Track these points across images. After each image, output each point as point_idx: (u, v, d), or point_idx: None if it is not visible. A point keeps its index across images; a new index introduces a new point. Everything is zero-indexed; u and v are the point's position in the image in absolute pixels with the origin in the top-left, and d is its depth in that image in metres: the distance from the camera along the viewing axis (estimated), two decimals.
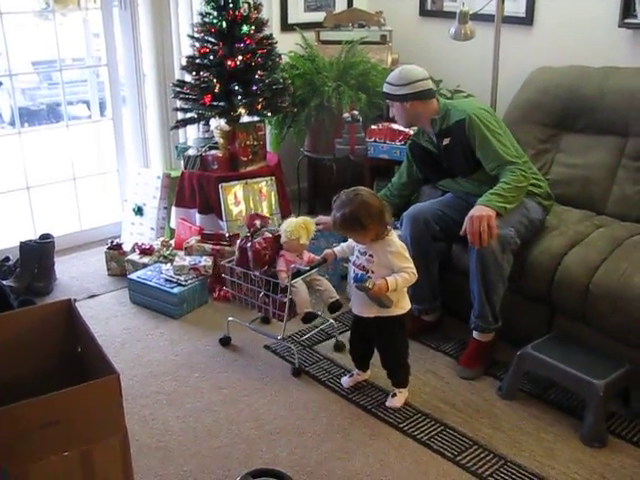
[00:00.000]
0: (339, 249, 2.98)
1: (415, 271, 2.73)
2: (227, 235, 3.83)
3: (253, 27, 3.91)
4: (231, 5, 3.84)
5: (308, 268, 3.03)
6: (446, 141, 3.23)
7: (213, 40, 3.91)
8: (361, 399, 2.93)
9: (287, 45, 4.52)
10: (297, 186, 4.69)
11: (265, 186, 4.03)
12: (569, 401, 2.88)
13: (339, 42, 4.54)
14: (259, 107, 3.96)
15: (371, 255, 2.75)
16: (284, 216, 4.08)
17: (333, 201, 2.77)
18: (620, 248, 3.01)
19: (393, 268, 2.71)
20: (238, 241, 3.27)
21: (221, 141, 4.06)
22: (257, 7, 3.98)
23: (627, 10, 3.70)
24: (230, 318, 3.36)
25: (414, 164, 3.48)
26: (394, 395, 2.90)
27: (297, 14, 4.82)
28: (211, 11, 3.87)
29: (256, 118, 4.09)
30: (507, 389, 2.92)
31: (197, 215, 4.09)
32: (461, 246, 3.17)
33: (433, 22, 4.69)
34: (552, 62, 3.90)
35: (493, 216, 2.87)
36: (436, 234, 3.21)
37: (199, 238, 3.89)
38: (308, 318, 3.09)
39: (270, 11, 4.57)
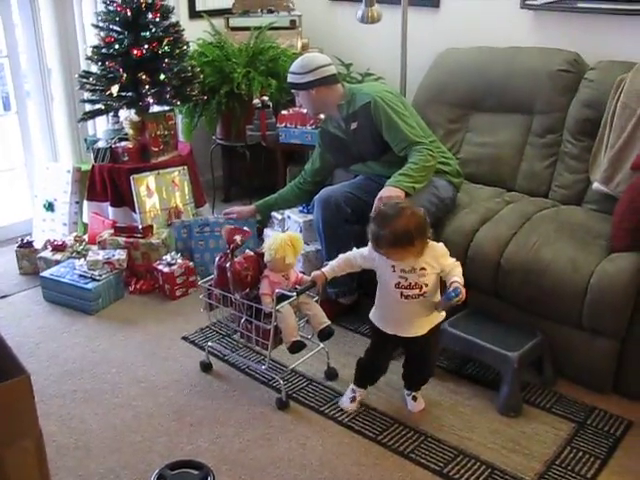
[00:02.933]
0: (328, 269, 2.66)
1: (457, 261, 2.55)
2: (140, 227, 3.76)
3: (159, 15, 3.84)
4: None
5: (295, 292, 2.68)
6: (354, 125, 3.25)
7: (118, 29, 3.83)
8: (278, 383, 2.91)
9: (196, 32, 4.45)
10: (211, 175, 4.63)
11: (178, 176, 3.97)
12: (486, 374, 2.94)
13: (249, 28, 4.50)
14: (168, 96, 3.90)
15: (423, 268, 2.46)
16: (198, 205, 4.04)
17: (372, 216, 2.46)
18: (529, 222, 3.10)
19: (444, 269, 2.49)
20: (216, 259, 2.89)
21: (131, 132, 3.98)
22: None
23: None
24: (210, 344, 3.07)
25: (325, 151, 3.49)
26: (416, 398, 2.77)
27: (205, 1, 4.74)
28: None
29: (166, 107, 4.02)
30: None
31: (110, 208, 4.00)
32: None
33: (342, 6, 4.69)
34: (459, 44, 3.96)
35: (402, 196, 2.91)
36: (348, 217, 3.22)
37: (112, 231, 3.81)
38: (296, 347, 2.74)
39: None
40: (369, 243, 2.54)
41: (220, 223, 3.72)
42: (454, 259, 2.53)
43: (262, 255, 2.81)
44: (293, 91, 3.39)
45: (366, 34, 4.33)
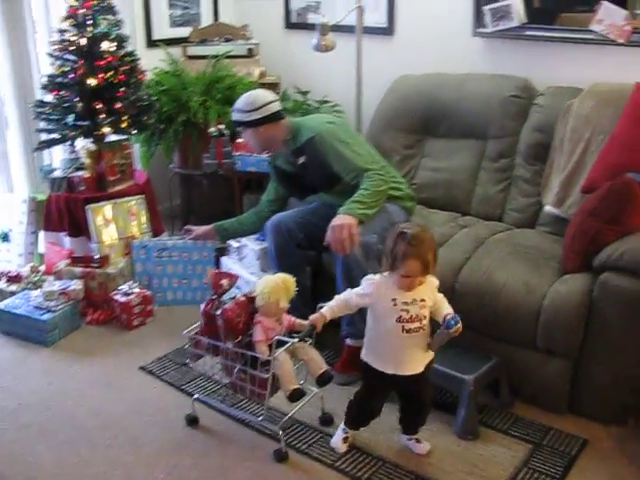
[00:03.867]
0: (327, 310, 2.51)
1: None
2: (97, 257, 3.73)
3: (114, 44, 3.84)
4: (90, 22, 3.76)
5: (296, 337, 2.57)
6: (302, 159, 3.26)
7: (73, 58, 3.82)
8: (239, 413, 2.89)
9: (153, 61, 4.45)
10: (170, 203, 4.62)
11: (135, 205, 3.96)
12: (443, 398, 2.94)
13: (206, 57, 4.51)
14: (124, 125, 3.89)
15: (423, 300, 2.42)
16: (156, 234, 4.02)
17: (401, 236, 2.35)
18: (483, 246, 3.14)
19: (436, 302, 2.47)
20: (202, 306, 2.72)
21: (87, 161, 3.95)
22: (117, 23, 3.91)
23: (479, 21, 3.87)
24: (196, 396, 2.90)
25: (278, 184, 3.51)
26: (419, 440, 2.68)
27: (162, 30, 4.76)
28: (69, 28, 3.78)
29: (122, 136, 4.01)
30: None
31: (66, 238, 3.97)
32: (330, 253, 3.20)
33: (298, 34, 4.74)
34: (413, 70, 4.03)
35: (354, 224, 2.91)
36: (301, 242, 3.23)
37: (69, 262, 3.77)
38: (296, 395, 2.56)
39: (133, 27, 4.50)
40: (362, 282, 2.50)
41: (179, 247, 3.72)
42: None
43: (253, 299, 2.67)
44: (239, 129, 3.38)
45: (322, 62, 4.38)
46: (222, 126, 4.04)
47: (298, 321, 2.70)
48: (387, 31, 4.32)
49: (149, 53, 4.54)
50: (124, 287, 3.63)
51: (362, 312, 2.97)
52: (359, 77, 4.02)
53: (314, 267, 3.35)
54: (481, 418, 2.82)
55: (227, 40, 4.70)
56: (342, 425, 2.70)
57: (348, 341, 3.12)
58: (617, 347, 2.72)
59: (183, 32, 4.78)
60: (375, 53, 4.26)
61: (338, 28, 4.03)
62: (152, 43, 4.67)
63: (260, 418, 2.71)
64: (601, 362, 2.75)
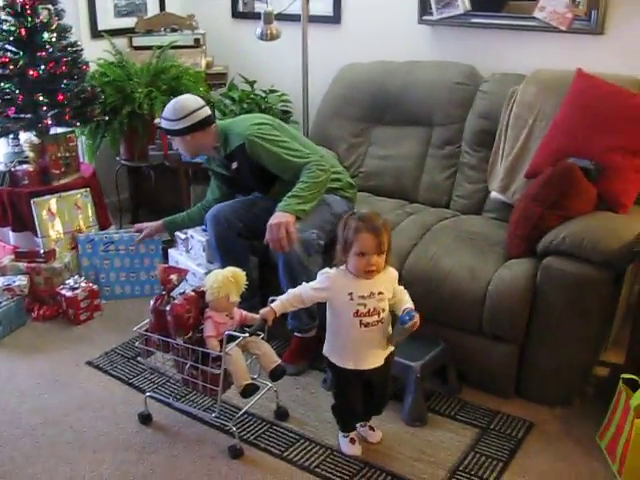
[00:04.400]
0: (278, 304, 2.46)
1: None
2: (42, 252, 3.66)
3: (55, 34, 3.76)
4: (29, 11, 3.67)
5: (247, 332, 2.52)
6: (234, 165, 3.23)
7: (12, 49, 3.73)
8: (187, 404, 2.87)
9: (99, 52, 4.37)
10: (118, 196, 4.55)
11: (80, 198, 3.89)
12: (393, 385, 2.95)
13: (152, 47, 4.44)
14: (68, 117, 3.81)
15: (381, 292, 2.39)
16: (102, 227, 3.96)
17: (351, 216, 2.38)
18: (429, 233, 3.15)
19: (396, 294, 2.45)
20: (152, 302, 2.65)
21: (31, 155, 3.87)
22: (59, 13, 3.82)
23: (424, 8, 3.87)
24: (148, 394, 2.84)
25: (217, 184, 3.49)
26: (373, 428, 2.68)
27: (107, 20, 4.67)
28: (8, 18, 3.69)
29: (66, 129, 3.93)
30: (331, 381, 2.95)
31: (11, 233, 3.88)
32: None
33: (245, 23, 4.69)
34: (360, 59, 4.02)
35: (291, 221, 2.90)
36: (241, 231, 3.21)
37: (13, 257, 3.70)
38: (249, 391, 2.55)
39: (77, 17, 4.41)
40: (318, 275, 2.46)
41: (125, 241, 3.68)
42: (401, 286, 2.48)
43: (203, 294, 2.62)
44: (168, 136, 3.33)
45: (269, 51, 4.35)
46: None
47: (250, 315, 2.66)
48: (333, 20, 4.30)
49: (94, 44, 4.46)
50: (70, 282, 3.57)
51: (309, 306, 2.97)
52: (305, 66, 4.00)
53: (261, 257, 3.32)
54: (429, 404, 2.85)
55: (173, 30, 4.63)
56: (340, 433, 2.64)
57: (296, 333, 3.11)
58: (561, 330, 2.75)
59: (128, 22, 4.70)
60: (322, 42, 4.24)
61: (283, 17, 4.01)
62: (97, 34, 4.58)
63: (213, 414, 2.65)
64: (546, 346, 2.79)
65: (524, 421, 2.77)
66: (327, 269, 2.47)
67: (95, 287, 3.60)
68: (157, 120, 3.94)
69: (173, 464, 2.55)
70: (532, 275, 2.77)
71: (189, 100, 3.22)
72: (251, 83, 4.38)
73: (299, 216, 2.94)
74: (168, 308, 2.55)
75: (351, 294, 2.36)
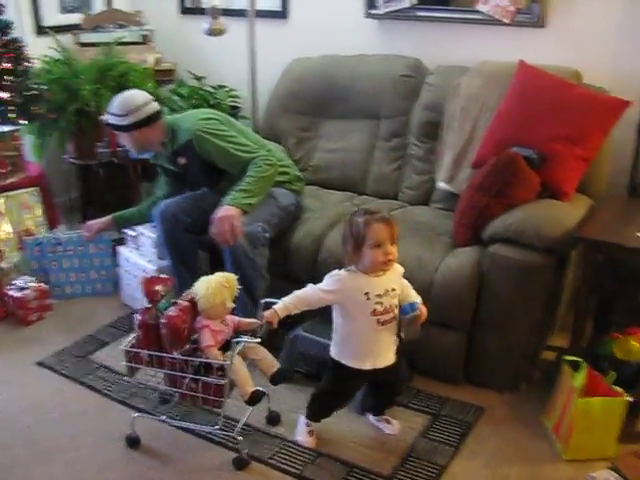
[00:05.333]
0: (281, 307, 2.37)
1: None
2: None
3: None
4: None
5: (257, 337, 2.39)
6: (182, 160, 3.22)
7: None
8: (140, 402, 2.87)
9: (44, 49, 4.31)
10: (68, 195, 4.50)
11: (29, 198, 3.84)
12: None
13: (99, 44, 4.40)
14: (12, 116, 3.76)
15: (394, 289, 2.38)
16: (52, 227, 3.92)
17: (355, 215, 2.37)
18: None
19: (403, 289, 2.44)
20: (137, 316, 2.50)
21: None
22: None
23: (371, 2, 3.91)
24: (135, 415, 2.67)
25: (165, 179, 3.47)
26: (389, 420, 2.70)
27: (52, 16, 4.60)
28: None
29: (11, 127, 3.87)
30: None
31: None
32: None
33: (193, 19, 4.66)
34: (308, 53, 4.03)
35: (237, 215, 2.92)
36: (188, 226, 3.21)
37: None
38: (256, 398, 2.47)
39: (19, 13, 4.34)
40: (326, 278, 2.39)
41: (74, 241, 3.64)
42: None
43: (194, 302, 2.50)
44: (115, 132, 3.29)
45: (218, 47, 4.33)
46: None
47: (243, 320, 2.60)
48: (281, 14, 4.30)
49: (39, 41, 4.39)
50: (19, 282, 3.53)
51: (254, 300, 2.94)
52: (253, 61, 4.00)
53: (211, 252, 3.33)
54: None
55: (121, 26, 4.59)
56: (303, 419, 2.63)
57: None
58: (507, 316, 2.81)
59: (75, 19, 4.64)
60: (270, 37, 4.25)
61: (230, 12, 4.01)
62: (41, 30, 4.51)
63: (216, 427, 2.54)
64: (493, 332, 2.84)
65: (474, 406, 2.83)
66: (337, 271, 2.40)
67: (45, 287, 3.56)
68: (104, 117, 3.90)
69: (127, 457, 2.55)
70: (478, 263, 2.82)
71: (136, 95, 3.21)
72: (200, 79, 4.36)
73: (245, 210, 2.96)
74: (163, 321, 2.42)
75: (367, 294, 2.33)
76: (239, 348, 2.45)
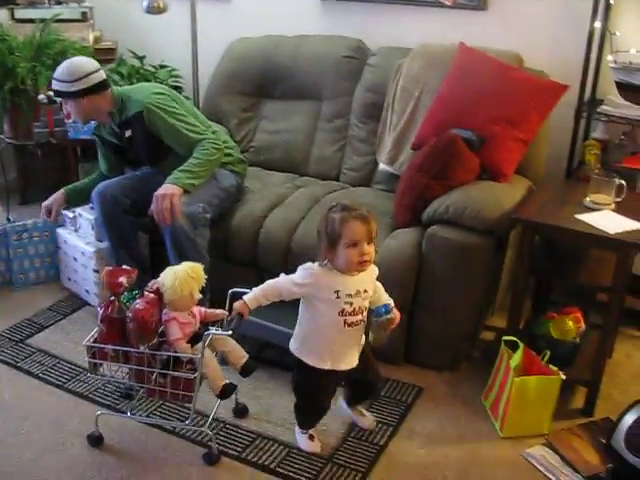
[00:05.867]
0: (251, 298, 2.29)
1: None
2: None
3: None
4: None
5: (229, 330, 2.28)
6: (128, 133, 3.15)
7: None
8: (78, 386, 2.82)
9: None
10: (4, 177, 4.38)
11: None
12: (284, 357, 2.93)
13: (35, 20, 4.28)
14: None
15: (366, 291, 2.27)
16: None
17: (332, 210, 2.23)
18: (318, 205, 3.18)
19: (376, 291, 2.34)
20: (100, 310, 2.39)
21: None
22: None
23: None
24: (99, 412, 2.55)
25: (106, 154, 3.38)
26: (363, 414, 2.63)
27: None
28: None
29: None
30: (222, 356, 2.94)
31: None
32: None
33: None
34: (250, 33, 3.98)
35: (177, 194, 2.88)
36: (127, 208, 3.15)
37: None
38: (228, 392, 2.43)
39: None
40: (298, 270, 2.30)
41: (39, 227, 3.55)
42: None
43: (161, 294, 2.38)
44: (60, 99, 3.18)
45: (159, 25, 4.26)
46: (52, 93, 3.85)
47: (209, 311, 2.52)
48: None
49: None
50: None
51: None
52: (194, 41, 3.93)
53: (151, 234, 3.29)
54: None
55: (58, 3, 4.47)
56: (297, 429, 2.54)
57: None
58: (447, 297, 2.83)
59: None
60: (212, 16, 4.19)
61: None
62: None
63: (187, 421, 2.45)
64: (433, 312, 2.87)
65: (414, 386, 2.86)
66: (310, 264, 2.30)
67: None
68: (41, 96, 3.82)
69: (64, 443, 2.51)
70: (418, 244, 2.84)
71: (84, 61, 3.13)
72: (140, 58, 4.29)
73: (187, 190, 2.93)
74: (130, 315, 2.31)
75: (338, 292, 2.22)
76: (213, 337, 2.38)
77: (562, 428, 2.64)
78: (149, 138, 3.09)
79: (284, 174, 3.59)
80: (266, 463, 2.44)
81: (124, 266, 2.50)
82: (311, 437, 2.51)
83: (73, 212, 3.46)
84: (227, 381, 2.43)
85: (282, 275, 2.34)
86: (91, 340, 2.41)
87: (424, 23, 3.67)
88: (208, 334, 2.32)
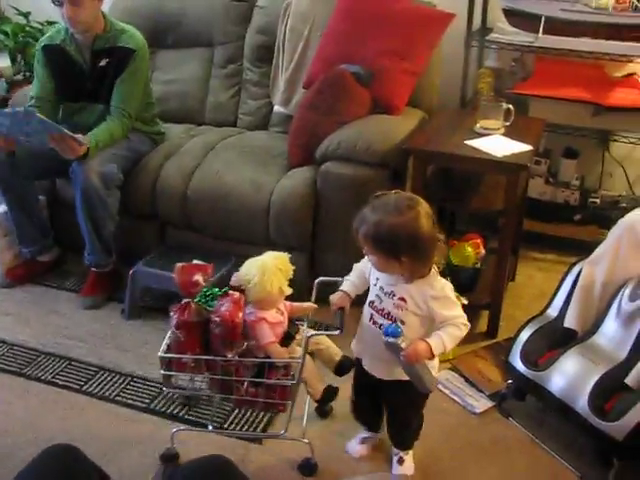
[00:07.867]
0: (350, 287, 2.07)
1: (466, 321, 1.93)
2: None
3: None
4: None
5: (337, 330, 2.00)
6: (103, 62, 3.01)
7: None
8: (37, 371, 2.69)
9: None
10: None
11: None
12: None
13: None
14: None
15: (402, 299, 1.93)
16: None
17: (375, 197, 1.98)
18: (213, 151, 3.15)
19: (435, 319, 1.92)
20: (174, 316, 2.01)
21: None
22: None
23: None
24: (175, 430, 2.24)
25: (51, 75, 3.09)
26: (401, 461, 2.20)
27: None
28: None
29: None
30: (129, 310, 2.94)
31: None
32: (65, 180, 3.07)
33: None
34: None
35: (80, 151, 2.79)
36: (28, 173, 3.04)
37: None
38: (330, 395, 2.22)
39: None
40: None
41: None
42: (460, 314, 1.93)
43: (243, 292, 2.04)
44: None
45: None
46: None
47: (296, 305, 2.17)
48: None
49: None
50: None
51: (103, 241, 2.93)
52: None
53: (49, 195, 3.22)
54: None
55: None
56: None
57: (93, 269, 3.06)
58: (345, 232, 2.79)
59: None
60: None
61: None
62: None
63: (283, 432, 2.17)
64: (334, 249, 2.88)
65: (322, 324, 2.86)
66: None
67: None
68: None
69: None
70: (313, 182, 2.85)
71: None
72: (25, 15, 4.13)
73: (91, 148, 2.84)
74: (217, 319, 1.97)
75: (377, 279, 2.00)
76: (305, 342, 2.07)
77: (467, 352, 2.71)
78: (114, 77, 3.00)
79: (180, 125, 3.51)
80: None
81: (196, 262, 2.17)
82: (362, 440, 2.29)
83: None
84: (328, 384, 2.22)
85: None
86: (164, 349, 2.07)
87: None
88: (310, 336, 2.06)
